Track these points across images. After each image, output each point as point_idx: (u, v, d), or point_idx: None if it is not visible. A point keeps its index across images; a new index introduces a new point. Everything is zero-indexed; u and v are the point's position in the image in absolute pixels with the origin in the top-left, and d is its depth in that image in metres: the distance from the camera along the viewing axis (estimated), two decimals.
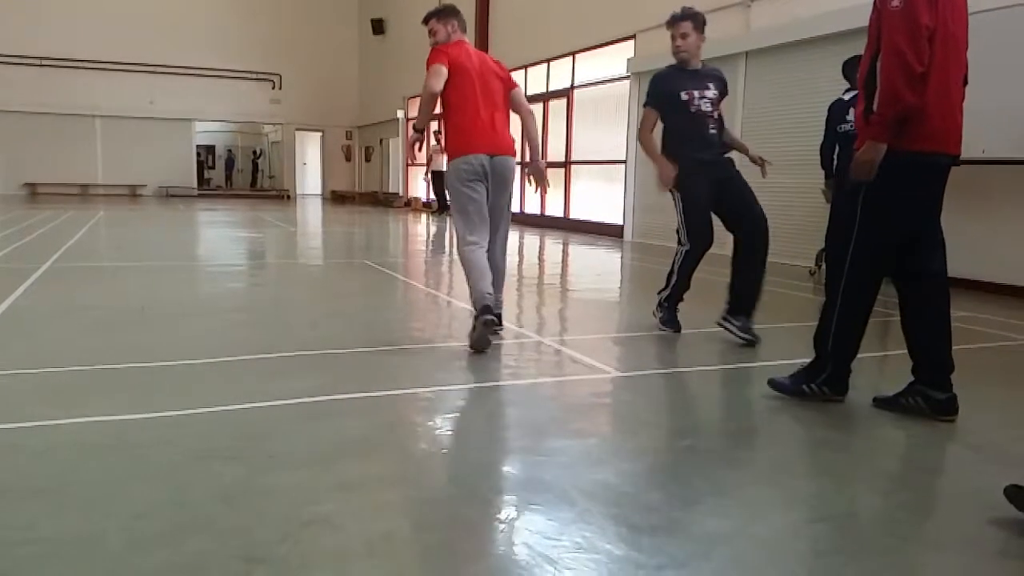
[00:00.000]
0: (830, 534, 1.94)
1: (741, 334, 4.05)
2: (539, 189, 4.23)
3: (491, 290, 3.71)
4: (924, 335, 2.94)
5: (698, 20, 4.16)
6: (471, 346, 3.75)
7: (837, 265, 2.97)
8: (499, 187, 3.91)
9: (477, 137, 3.84)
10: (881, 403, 3.02)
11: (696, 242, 4.23)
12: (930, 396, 2.88)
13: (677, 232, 4.35)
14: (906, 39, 2.65)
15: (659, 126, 4.33)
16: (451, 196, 3.94)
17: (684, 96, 4.15)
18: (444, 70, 3.79)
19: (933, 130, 2.77)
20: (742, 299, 4.12)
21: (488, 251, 3.88)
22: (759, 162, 4.37)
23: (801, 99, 8.17)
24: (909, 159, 2.77)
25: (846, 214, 2.93)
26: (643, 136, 4.35)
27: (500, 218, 3.98)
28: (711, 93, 4.20)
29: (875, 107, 2.74)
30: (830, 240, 3.02)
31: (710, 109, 4.19)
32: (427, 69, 3.84)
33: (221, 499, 2.04)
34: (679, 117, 4.19)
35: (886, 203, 2.83)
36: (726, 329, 4.13)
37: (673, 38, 4.21)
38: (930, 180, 2.88)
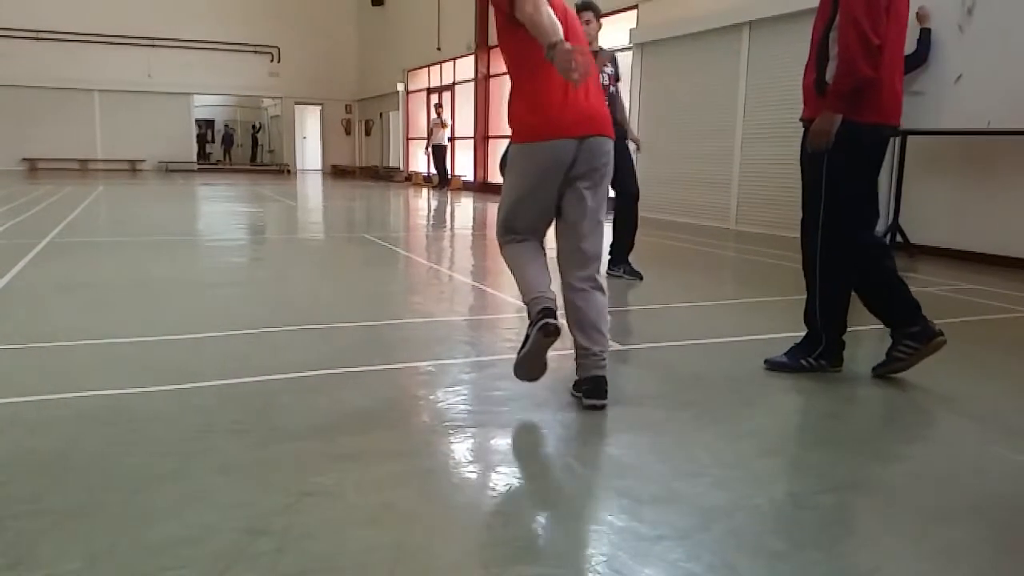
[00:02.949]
0: (833, 505, 1.94)
1: (629, 277, 5.23)
2: None
3: (549, 290, 2.56)
4: (880, 291, 3.03)
5: (597, 10, 4.96)
6: (517, 366, 2.63)
7: (811, 243, 3.02)
8: (587, 180, 2.57)
9: (563, 111, 2.51)
10: (880, 369, 3.06)
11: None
12: (912, 333, 2.96)
13: None
14: (865, 11, 2.70)
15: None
16: (506, 187, 2.69)
17: None
18: None
19: (884, 102, 2.85)
20: (620, 250, 5.32)
21: (566, 282, 2.65)
22: (635, 141, 5.46)
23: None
24: (867, 131, 2.85)
25: (810, 193, 2.97)
26: None
27: (587, 226, 2.62)
28: (608, 70, 5.13)
29: (830, 78, 2.82)
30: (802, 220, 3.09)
31: (606, 83, 5.06)
32: None
33: (222, 471, 2.04)
34: None
35: (848, 176, 2.89)
36: (617, 277, 5.22)
37: None
38: (882, 151, 2.98)
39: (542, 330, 2.44)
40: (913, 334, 2.96)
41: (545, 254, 2.70)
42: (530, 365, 2.59)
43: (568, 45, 2.28)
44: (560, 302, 2.61)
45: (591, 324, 2.58)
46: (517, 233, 2.69)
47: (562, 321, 2.54)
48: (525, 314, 2.66)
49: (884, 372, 3.03)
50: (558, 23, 2.38)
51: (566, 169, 2.54)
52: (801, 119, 3.03)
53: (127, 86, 22.71)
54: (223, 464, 2.09)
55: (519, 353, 2.60)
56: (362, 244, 7.33)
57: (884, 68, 2.80)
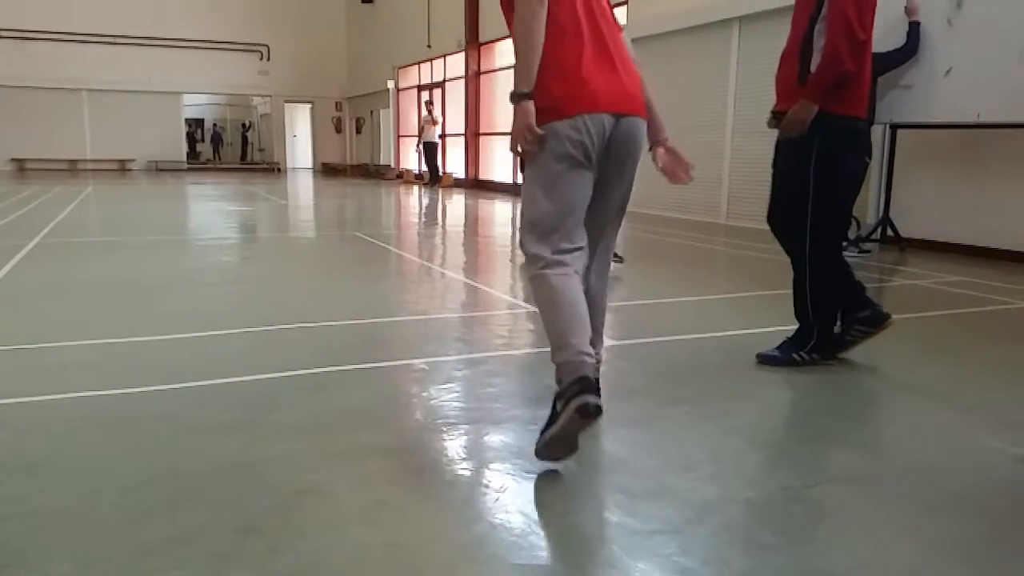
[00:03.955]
0: (825, 498, 1.95)
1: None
2: (676, 179, 2.45)
3: (589, 348, 2.03)
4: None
5: None
6: (542, 449, 2.09)
7: (797, 237, 3.04)
8: (618, 168, 2.25)
9: (595, 82, 2.14)
10: (836, 350, 3.14)
11: None
12: (861, 318, 3.08)
13: None
14: (854, 7, 2.72)
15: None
16: (533, 177, 2.18)
17: None
18: None
19: (862, 96, 2.91)
20: None
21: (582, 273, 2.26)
22: None
23: None
24: (853, 124, 2.91)
25: (797, 187, 2.98)
26: None
27: (609, 220, 2.35)
28: None
29: (813, 68, 2.84)
30: (785, 215, 3.09)
31: None
32: None
33: (214, 471, 2.03)
34: None
35: (838, 169, 2.93)
36: None
37: None
38: (867, 141, 3.08)
39: (580, 411, 1.91)
40: (863, 319, 3.08)
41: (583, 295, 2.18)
42: (560, 447, 2.06)
43: (532, 118, 2.05)
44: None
45: (594, 328, 2.28)
46: (551, 239, 2.14)
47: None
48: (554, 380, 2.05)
49: (842, 353, 3.15)
50: (536, 59, 2.08)
51: (600, 150, 2.16)
52: (773, 111, 3.03)
53: (116, 85, 22.56)
54: (215, 463, 2.08)
55: (543, 432, 2.09)
56: (354, 242, 7.31)
57: (865, 63, 2.87)
